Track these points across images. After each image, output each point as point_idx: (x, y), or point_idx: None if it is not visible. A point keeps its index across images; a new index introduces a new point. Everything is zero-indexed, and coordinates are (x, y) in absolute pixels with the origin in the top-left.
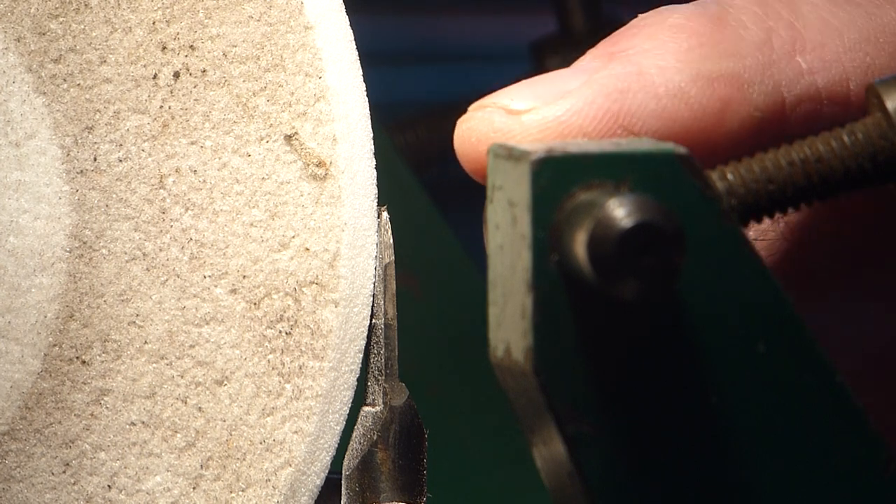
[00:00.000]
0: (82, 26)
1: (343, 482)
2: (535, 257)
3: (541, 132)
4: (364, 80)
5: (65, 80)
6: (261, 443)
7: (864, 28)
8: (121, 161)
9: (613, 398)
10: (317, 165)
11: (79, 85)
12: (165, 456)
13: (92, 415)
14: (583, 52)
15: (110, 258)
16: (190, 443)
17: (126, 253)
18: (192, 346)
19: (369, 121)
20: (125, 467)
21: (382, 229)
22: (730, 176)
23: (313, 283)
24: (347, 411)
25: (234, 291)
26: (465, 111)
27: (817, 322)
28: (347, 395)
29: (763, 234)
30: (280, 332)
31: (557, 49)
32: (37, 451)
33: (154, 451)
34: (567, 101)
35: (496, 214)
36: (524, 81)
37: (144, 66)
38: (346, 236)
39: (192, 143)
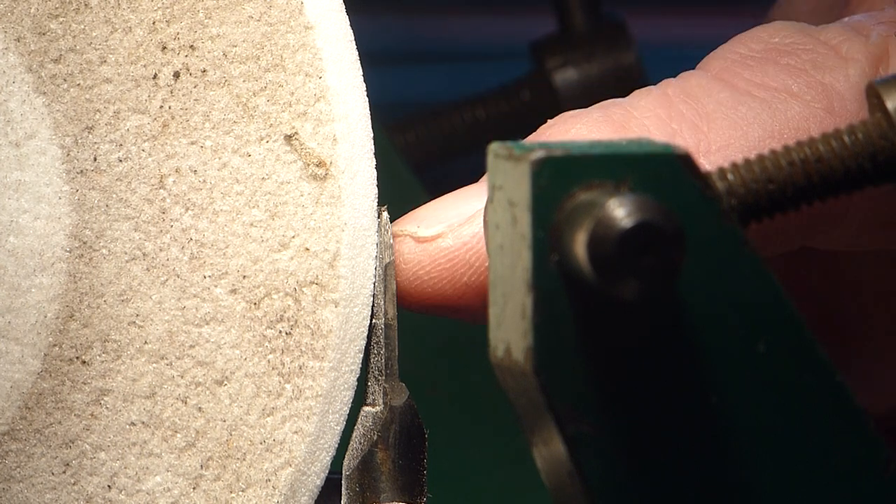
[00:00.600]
0: (82, 26)
1: (343, 482)
2: (536, 257)
3: (450, 261)
4: (364, 80)
5: (65, 80)
6: (261, 443)
7: (768, 124)
8: (121, 161)
9: (613, 398)
10: (317, 165)
11: (79, 85)
12: (165, 456)
13: (92, 415)
14: (583, 52)
15: (110, 258)
16: (190, 443)
17: (126, 253)
18: (192, 346)
19: (369, 121)
20: (125, 467)
21: (382, 229)
22: (730, 176)
23: (313, 283)
24: (347, 411)
25: (234, 291)
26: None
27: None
28: (347, 395)
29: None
30: (280, 332)
31: (557, 49)
32: (37, 451)
33: (154, 452)
34: (474, 226)
35: (496, 214)
36: (431, 203)
37: (144, 66)
38: (346, 236)
39: (192, 143)
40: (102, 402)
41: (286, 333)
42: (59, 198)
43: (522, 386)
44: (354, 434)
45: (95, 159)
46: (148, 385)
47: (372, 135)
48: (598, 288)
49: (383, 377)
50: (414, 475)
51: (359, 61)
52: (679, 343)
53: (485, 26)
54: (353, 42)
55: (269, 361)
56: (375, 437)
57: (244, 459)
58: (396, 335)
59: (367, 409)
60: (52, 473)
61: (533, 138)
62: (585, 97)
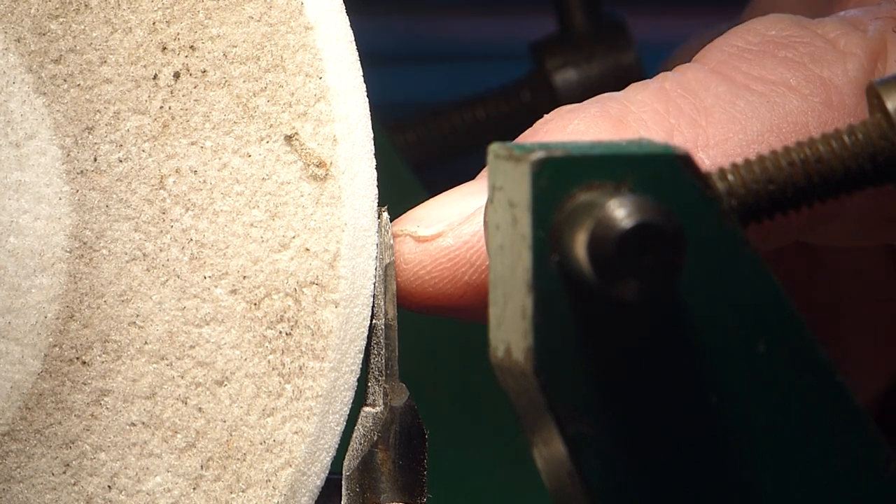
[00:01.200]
0: (82, 27)
1: (343, 483)
2: (536, 258)
3: (451, 260)
4: (364, 80)
5: (65, 80)
6: (261, 443)
7: (767, 118)
8: (121, 161)
9: (613, 398)
10: (317, 166)
11: (79, 85)
12: (165, 456)
13: (92, 415)
14: (583, 53)
15: (110, 258)
16: (190, 443)
17: (126, 253)
18: (192, 347)
19: (369, 121)
20: (125, 468)
21: (383, 230)
22: (730, 176)
23: (313, 283)
24: (348, 412)
25: (234, 292)
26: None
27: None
28: (348, 396)
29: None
30: (280, 332)
31: (557, 49)
32: (37, 451)
33: (154, 452)
34: (474, 224)
35: (496, 215)
36: (430, 202)
37: (144, 66)
38: (346, 237)
39: (193, 144)
40: (103, 402)
41: (286, 334)
42: (60, 198)
43: (522, 386)
44: (355, 434)
45: (96, 160)
46: (148, 385)
47: (372, 135)
48: (598, 288)
49: (383, 377)
50: (414, 475)
51: (359, 62)
52: (679, 343)
53: (485, 26)
54: (353, 42)
55: (269, 362)
56: (376, 438)
57: (244, 460)
58: (397, 335)
59: (367, 409)
60: (53, 474)
61: (530, 133)
62: (585, 97)
